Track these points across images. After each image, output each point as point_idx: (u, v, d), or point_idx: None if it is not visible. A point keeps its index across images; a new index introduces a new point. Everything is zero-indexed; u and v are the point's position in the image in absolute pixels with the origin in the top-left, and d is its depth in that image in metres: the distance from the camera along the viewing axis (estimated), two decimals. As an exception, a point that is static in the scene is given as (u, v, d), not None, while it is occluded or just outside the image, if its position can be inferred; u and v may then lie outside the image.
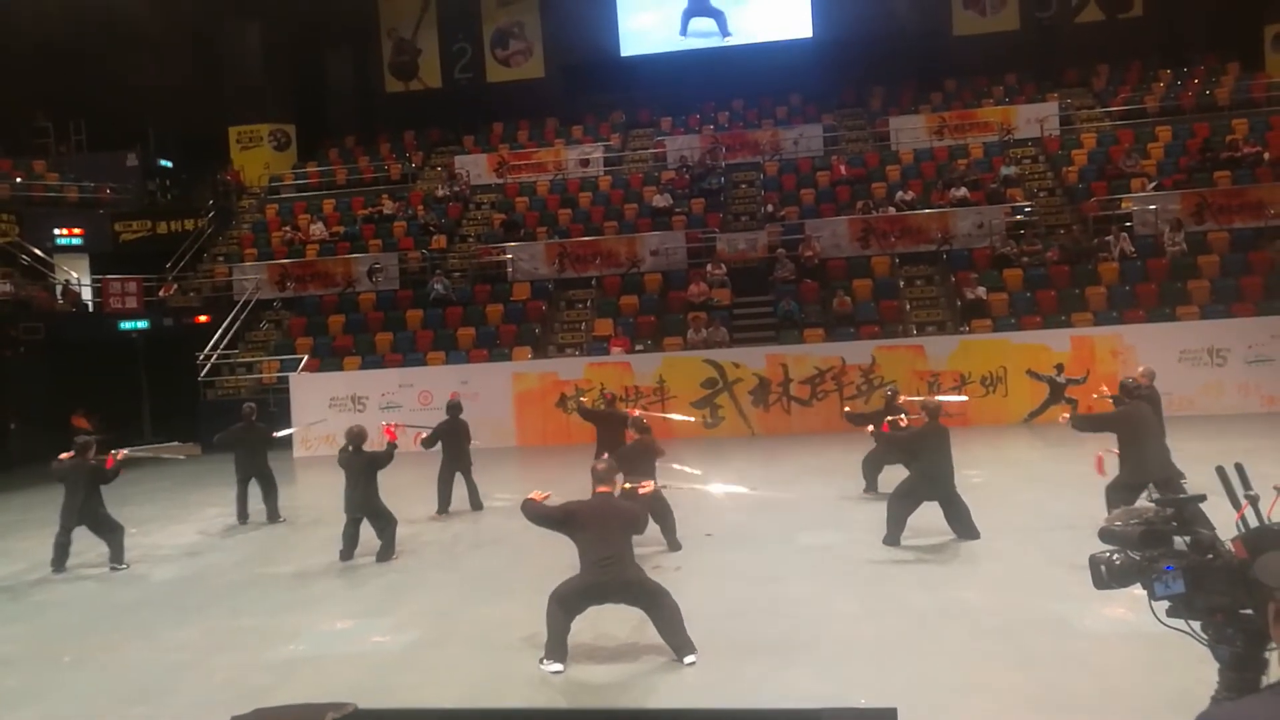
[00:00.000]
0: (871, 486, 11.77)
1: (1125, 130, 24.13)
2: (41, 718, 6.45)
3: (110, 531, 10.47)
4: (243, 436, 12.68)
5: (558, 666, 6.48)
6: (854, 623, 7.16)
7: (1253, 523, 2.95)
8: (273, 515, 12.63)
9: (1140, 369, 11.76)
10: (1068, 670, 6.02)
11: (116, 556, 10.45)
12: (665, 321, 20.18)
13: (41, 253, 24.41)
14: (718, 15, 28.91)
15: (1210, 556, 2.97)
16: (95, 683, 7.00)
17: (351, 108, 31.09)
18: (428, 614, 8.09)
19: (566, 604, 6.62)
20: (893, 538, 9.27)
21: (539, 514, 6.76)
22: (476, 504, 12.44)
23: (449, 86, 29.81)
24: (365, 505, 10.02)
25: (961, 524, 9.34)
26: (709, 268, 21.13)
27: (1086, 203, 21.48)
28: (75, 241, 26.25)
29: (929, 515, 10.29)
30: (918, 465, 9.58)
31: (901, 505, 9.37)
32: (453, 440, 12.50)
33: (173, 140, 31.01)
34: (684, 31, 29.07)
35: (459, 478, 12.49)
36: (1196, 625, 3.01)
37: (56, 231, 25.86)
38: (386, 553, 9.98)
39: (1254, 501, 2.98)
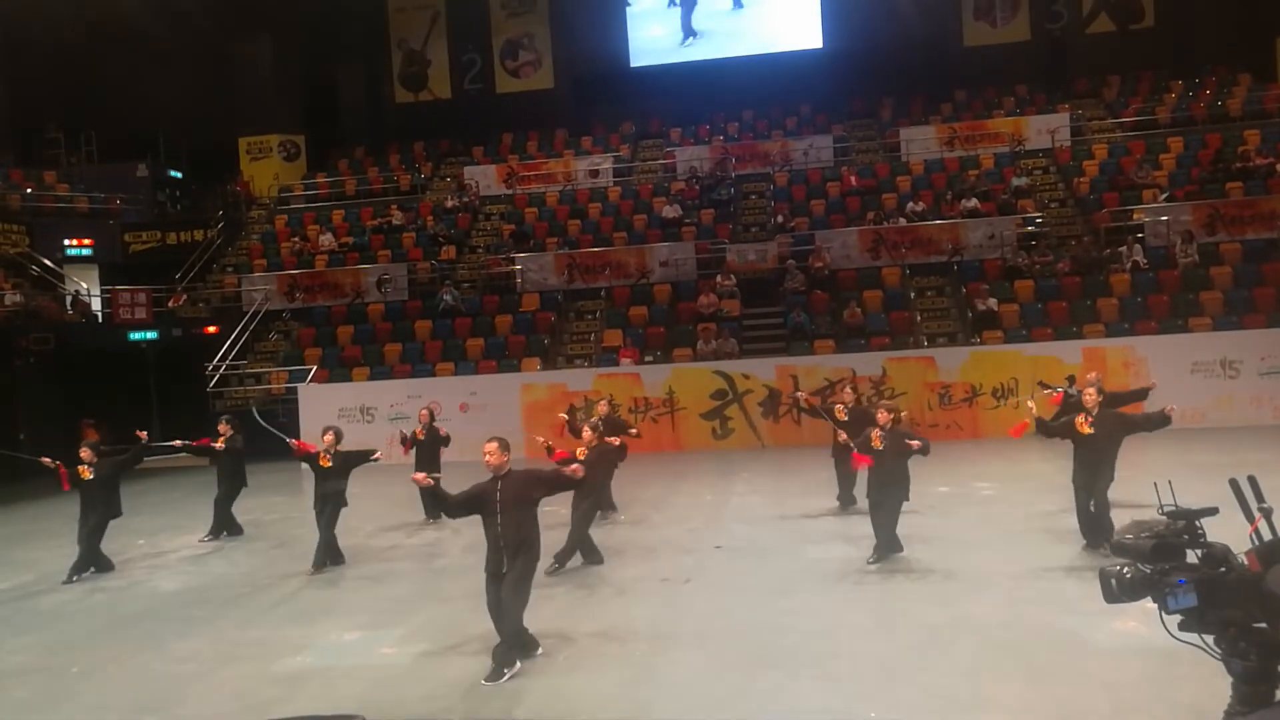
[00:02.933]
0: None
1: (1137, 141, 24.06)
2: (49, 728, 6.46)
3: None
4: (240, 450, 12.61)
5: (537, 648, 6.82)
6: (864, 636, 7.11)
7: (1266, 536, 2.92)
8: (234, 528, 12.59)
9: (1091, 375, 11.72)
10: (1079, 685, 5.96)
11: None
12: (675, 332, 20.17)
13: (51, 263, 24.57)
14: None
15: (1223, 570, 2.94)
16: (104, 694, 7.00)
17: (361, 118, 31.23)
18: (437, 626, 8.06)
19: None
20: (895, 545, 9.22)
21: (450, 502, 6.95)
22: (435, 514, 12.51)
23: (458, 97, 29.95)
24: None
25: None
26: (718, 279, 21.12)
27: (1098, 214, 21.41)
28: (85, 252, 26.44)
29: (938, 527, 10.26)
30: (888, 468, 9.30)
31: (889, 515, 9.26)
32: (425, 448, 12.72)
33: (183, 151, 31.22)
34: (686, 32, 29.11)
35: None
36: (1210, 639, 2.97)
37: (66, 242, 26.03)
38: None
39: (1267, 514, 2.95)
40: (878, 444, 9.14)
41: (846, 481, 11.65)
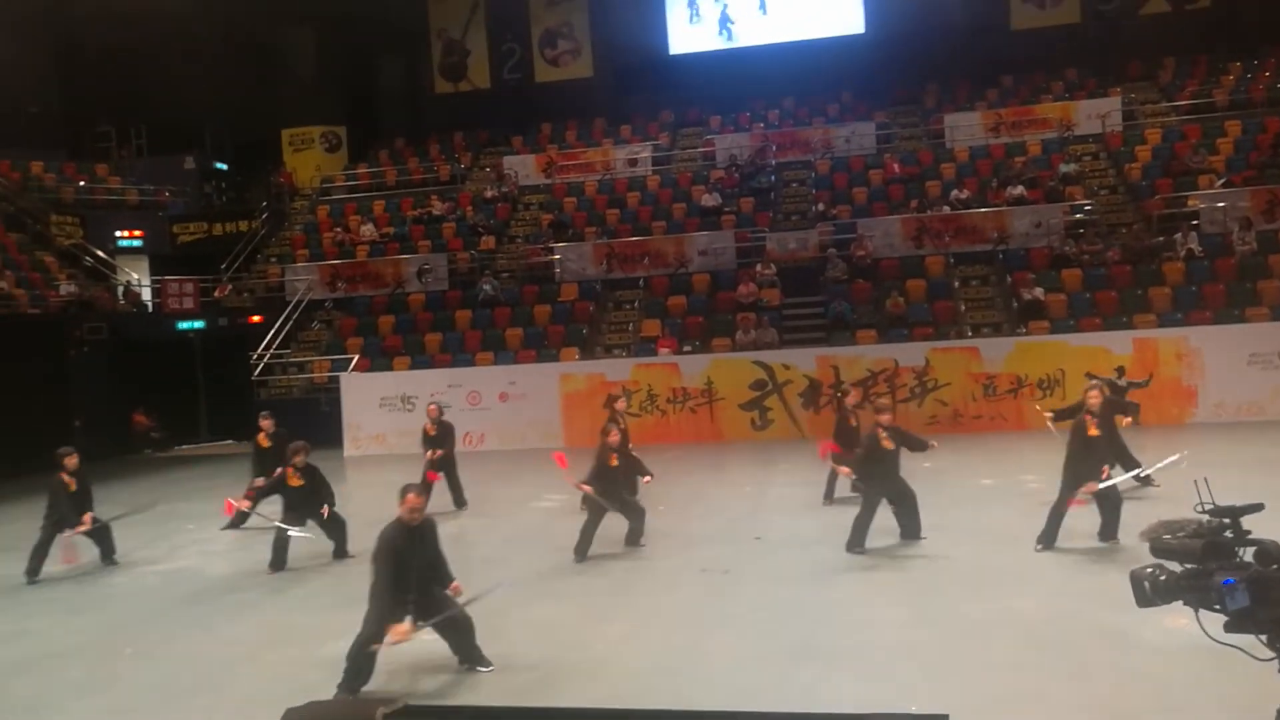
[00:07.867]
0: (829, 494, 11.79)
1: (1192, 125, 23.42)
2: (106, 708, 6.64)
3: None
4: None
5: None
6: (905, 629, 7.05)
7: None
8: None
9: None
10: (1126, 682, 5.86)
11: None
12: (713, 322, 20.08)
13: (104, 254, 25.10)
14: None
15: (1276, 567, 2.85)
16: (156, 675, 7.17)
17: (401, 109, 31.43)
18: (477, 612, 8.10)
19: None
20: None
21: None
22: (460, 502, 12.80)
23: (498, 87, 30.00)
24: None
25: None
26: (758, 268, 20.98)
27: (1150, 200, 20.92)
28: (136, 243, 26.97)
29: (981, 520, 10.13)
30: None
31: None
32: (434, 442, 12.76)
33: (228, 143, 31.69)
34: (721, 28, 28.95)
35: (447, 477, 12.74)
36: (1264, 639, 2.89)
37: (118, 234, 26.58)
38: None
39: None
40: (889, 444, 9.43)
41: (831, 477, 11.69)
